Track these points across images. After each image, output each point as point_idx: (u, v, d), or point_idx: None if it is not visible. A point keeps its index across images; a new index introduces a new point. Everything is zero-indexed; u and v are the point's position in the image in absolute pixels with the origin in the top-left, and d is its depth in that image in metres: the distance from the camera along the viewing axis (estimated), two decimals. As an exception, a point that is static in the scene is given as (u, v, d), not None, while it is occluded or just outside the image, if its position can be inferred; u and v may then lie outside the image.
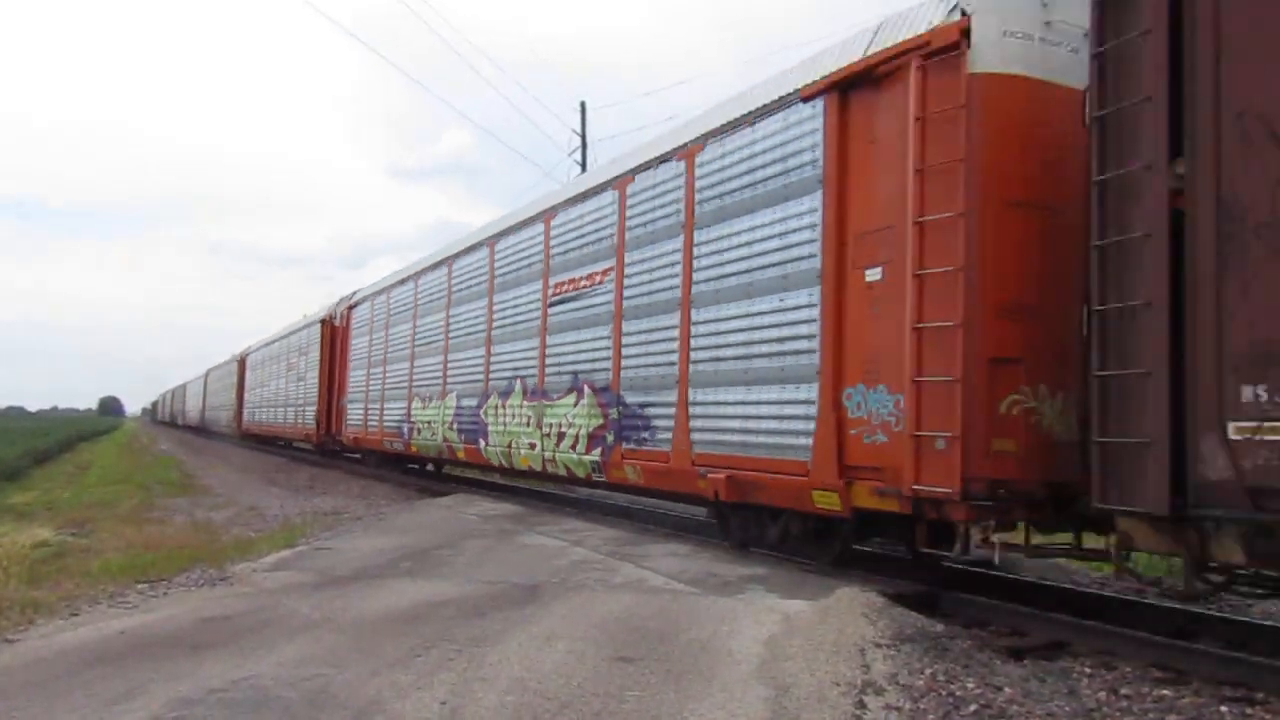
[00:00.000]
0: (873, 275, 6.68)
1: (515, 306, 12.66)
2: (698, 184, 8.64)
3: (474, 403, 13.84)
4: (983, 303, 5.95)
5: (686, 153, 8.87)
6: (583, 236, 10.84)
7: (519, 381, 12.31)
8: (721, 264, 8.21)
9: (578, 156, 27.35)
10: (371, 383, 19.49)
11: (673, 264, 8.93)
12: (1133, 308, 4.85)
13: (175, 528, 12.12)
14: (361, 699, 4.26)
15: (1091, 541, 5.91)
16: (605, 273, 10.22)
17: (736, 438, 7.89)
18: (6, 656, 5.24)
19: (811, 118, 7.28)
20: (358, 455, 22.41)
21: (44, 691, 4.51)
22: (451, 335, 15.09)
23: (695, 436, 8.41)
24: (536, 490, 15.61)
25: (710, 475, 8.07)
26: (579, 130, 27.68)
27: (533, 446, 11.73)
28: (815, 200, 7.17)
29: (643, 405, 9.30)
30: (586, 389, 10.44)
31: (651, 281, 9.30)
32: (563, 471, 11.19)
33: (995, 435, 5.90)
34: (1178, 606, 6.02)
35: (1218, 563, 4.59)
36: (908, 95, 6.38)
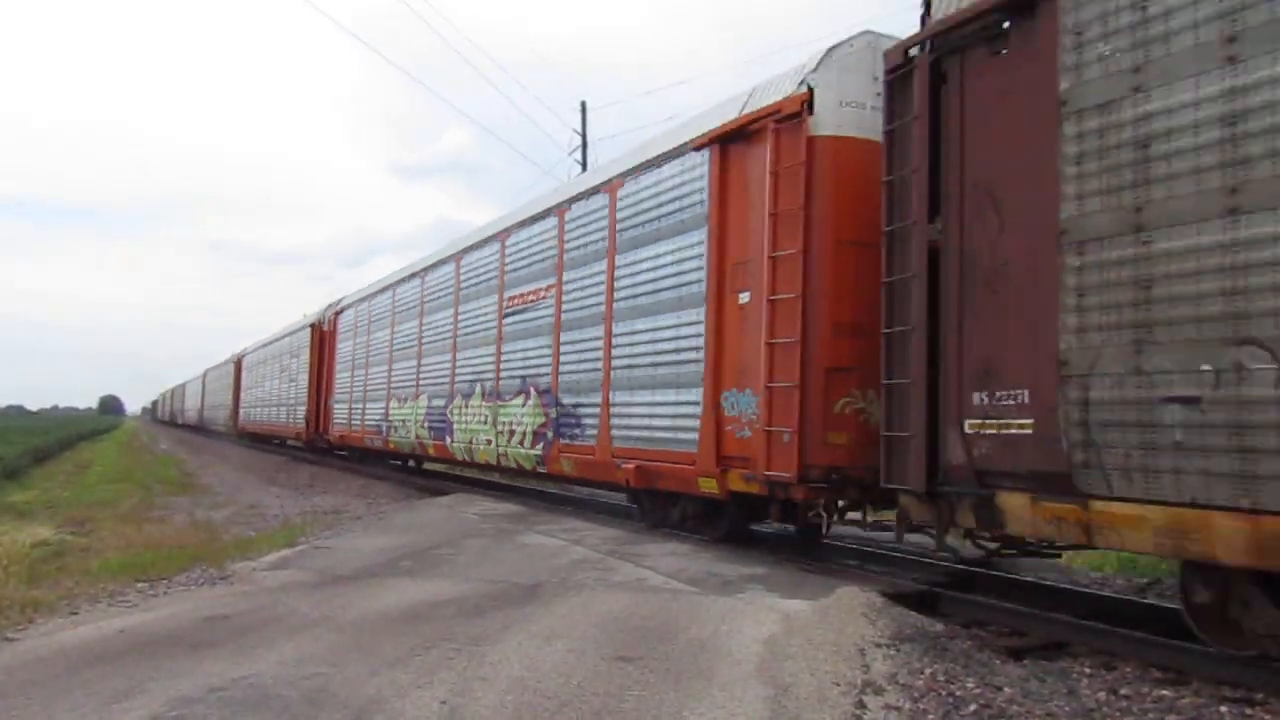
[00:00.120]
0: (744, 298, 8.06)
1: (477, 316, 14.06)
2: (619, 215, 10.03)
3: (442, 403, 15.24)
4: (820, 322, 7.32)
5: (610, 187, 10.26)
6: (531, 256, 12.24)
7: (479, 384, 13.70)
8: (635, 285, 9.60)
9: (578, 156, 27.57)
10: (355, 384, 20.87)
11: (599, 283, 10.31)
12: (904, 331, 6.22)
13: (175, 527, 12.16)
14: (361, 698, 4.24)
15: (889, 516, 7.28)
16: (549, 289, 11.61)
17: (644, 433, 9.29)
18: (6, 655, 5.20)
19: (700, 164, 8.67)
20: (344, 452, 23.80)
21: (44, 690, 4.48)
22: (424, 341, 16.48)
23: (614, 433, 9.81)
24: (536, 490, 16.03)
25: (625, 465, 9.47)
26: (579, 129, 27.96)
27: (489, 443, 13.12)
28: (703, 234, 8.56)
29: (576, 405, 10.69)
30: (533, 391, 11.83)
31: (584, 298, 10.69)
32: (514, 464, 12.58)
33: (830, 430, 7.28)
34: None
35: (960, 527, 5.95)
36: (766, 151, 7.77)
